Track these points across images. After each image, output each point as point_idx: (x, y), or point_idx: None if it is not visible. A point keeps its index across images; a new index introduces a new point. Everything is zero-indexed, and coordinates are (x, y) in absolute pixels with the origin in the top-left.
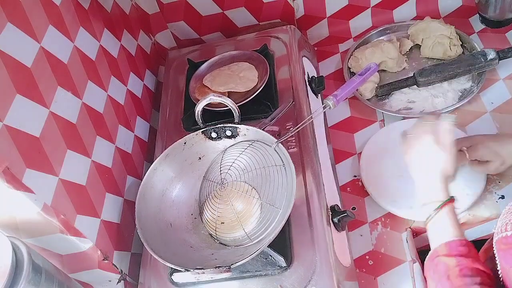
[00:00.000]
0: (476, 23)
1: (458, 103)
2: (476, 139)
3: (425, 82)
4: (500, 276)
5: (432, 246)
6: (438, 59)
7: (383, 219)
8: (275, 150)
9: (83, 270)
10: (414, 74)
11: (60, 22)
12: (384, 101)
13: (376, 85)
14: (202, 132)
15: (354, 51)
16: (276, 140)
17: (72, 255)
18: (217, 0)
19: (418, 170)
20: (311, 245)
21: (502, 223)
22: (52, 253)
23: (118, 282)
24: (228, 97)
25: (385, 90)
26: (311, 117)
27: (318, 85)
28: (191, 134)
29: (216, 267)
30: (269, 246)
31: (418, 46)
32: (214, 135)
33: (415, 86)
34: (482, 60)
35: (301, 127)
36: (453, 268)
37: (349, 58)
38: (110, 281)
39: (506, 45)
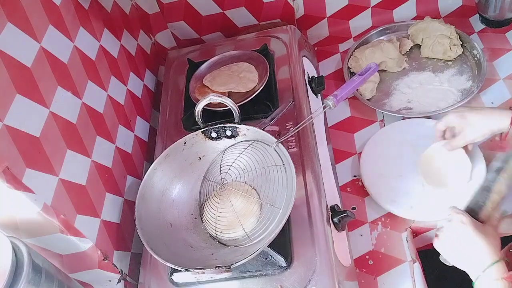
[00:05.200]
0: (476, 23)
1: (458, 103)
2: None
3: None
4: None
5: None
6: (438, 59)
7: (383, 219)
8: (275, 150)
9: (83, 270)
10: None
11: (60, 22)
12: (384, 101)
13: (376, 85)
14: (202, 132)
15: (354, 51)
16: (276, 140)
17: (72, 255)
18: (217, 0)
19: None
20: (311, 245)
21: None
22: (52, 253)
23: (118, 282)
24: (228, 97)
25: None
26: (311, 117)
27: (318, 85)
28: (191, 134)
29: (216, 267)
30: (269, 246)
31: (418, 46)
32: (214, 135)
33: (415, 85)
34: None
35: (301, 127)
36: None
37: (349, 58)
38: (110, 281)
39: (506, 45)
